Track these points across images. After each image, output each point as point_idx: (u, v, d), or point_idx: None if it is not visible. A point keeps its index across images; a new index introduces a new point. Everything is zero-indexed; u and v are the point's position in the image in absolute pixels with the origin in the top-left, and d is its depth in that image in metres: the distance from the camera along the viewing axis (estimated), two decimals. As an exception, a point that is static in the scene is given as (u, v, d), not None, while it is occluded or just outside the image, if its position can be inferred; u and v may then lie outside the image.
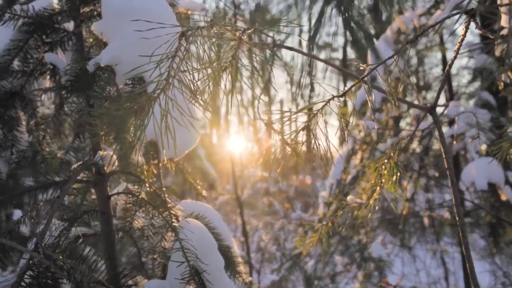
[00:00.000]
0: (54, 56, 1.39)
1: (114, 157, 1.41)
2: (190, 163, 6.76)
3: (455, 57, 1.18)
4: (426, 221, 3.96)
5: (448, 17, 0.92)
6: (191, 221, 1.26)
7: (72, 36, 1.48)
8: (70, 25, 1.54)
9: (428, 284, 6.26)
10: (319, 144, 0.89)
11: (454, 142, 3.30)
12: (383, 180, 1.49)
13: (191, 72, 0.93)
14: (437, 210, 3.98)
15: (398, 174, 1.56)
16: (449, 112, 3.79)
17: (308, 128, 0.91)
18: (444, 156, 1.37)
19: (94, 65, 1.28)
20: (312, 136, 0.90)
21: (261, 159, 1.10)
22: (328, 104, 0.93)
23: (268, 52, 1.02)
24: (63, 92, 1.35)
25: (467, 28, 0.94)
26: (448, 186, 3.71)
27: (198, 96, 0.94)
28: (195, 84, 0.94)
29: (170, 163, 1.30)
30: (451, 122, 3.98)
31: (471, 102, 5.07)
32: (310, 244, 2.00)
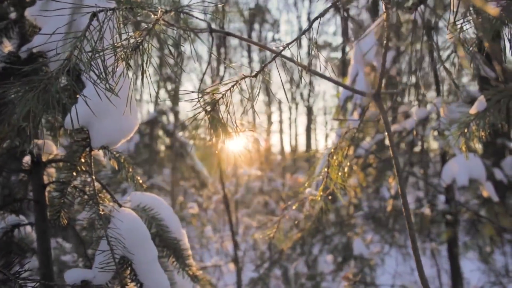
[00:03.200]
0: (-11, 43, 1.37)
1: (53, 145, 1.39)
2: (182, 162, 6.74)
3: (387, 43, 1.14)
4: (412, 219, 3.90)
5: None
6: (123, 211, 1.23)
7: (14, 24, 1.46)
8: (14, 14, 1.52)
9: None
10: (223, 125, 0.85)
11: (411, 133, 3.24)
12: (330, 171, 1.46)
13: (99, 53, 0.90)
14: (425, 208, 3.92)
15: (348, 164, 1.52)
16: (431, 108, 3.74)
17: (213, 108, 0.87)
18: (389, 144, 1.33)
19: (26, 52, 1.26)
20: (216, 117, 0.87)
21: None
22: (239, 83, 0.90)
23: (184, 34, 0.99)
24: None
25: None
26: (430, 184, 3.65)
27: (105, 78, 0.90)
28: (104, 65, 0.91)
29: (104, 152, 1.27)
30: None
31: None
32: (269, 237, 1.97)
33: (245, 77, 0.90)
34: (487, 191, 3.09)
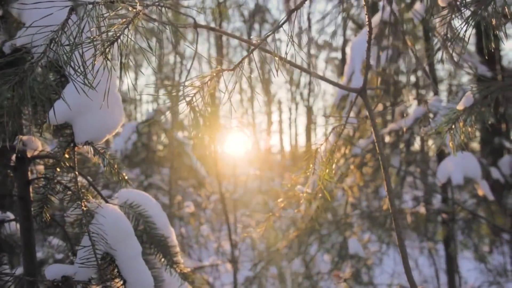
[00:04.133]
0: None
1: (39, 141, 1.38)
2: (180, 161, 6.73)
3: (370, 37, 1.14)
4: (408, 218, 3.89)
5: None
6: (107, 207, 1.23)
7: (0, 20, 1.45)
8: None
9: (420, 282, 6.17)
10: (199, 116, 0.85)
11: (408, 132, 3.23)
12: (316, 168, 1.45)
13: (76, 46, 0.89)
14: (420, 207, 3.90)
15: (336, 161, 1.51)
16: (430, 106, 3.73)
17: (192, 100, 0.87)
18: (375, 140, 1.32)
19: (10, 47, 1.26)
20: (195, 108, 0.86)
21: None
22: (216, 77, 0.89)
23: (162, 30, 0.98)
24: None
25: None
26: (426, 183, 3.64)
27: (83, 72, 0.90)
28: (82, 59, 0.90)
29: (89, 147, 1.26)
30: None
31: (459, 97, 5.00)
32: (258, 233, 1.96)
33: (222, 70, 0.90)
34: (483, 190, 3.08)
